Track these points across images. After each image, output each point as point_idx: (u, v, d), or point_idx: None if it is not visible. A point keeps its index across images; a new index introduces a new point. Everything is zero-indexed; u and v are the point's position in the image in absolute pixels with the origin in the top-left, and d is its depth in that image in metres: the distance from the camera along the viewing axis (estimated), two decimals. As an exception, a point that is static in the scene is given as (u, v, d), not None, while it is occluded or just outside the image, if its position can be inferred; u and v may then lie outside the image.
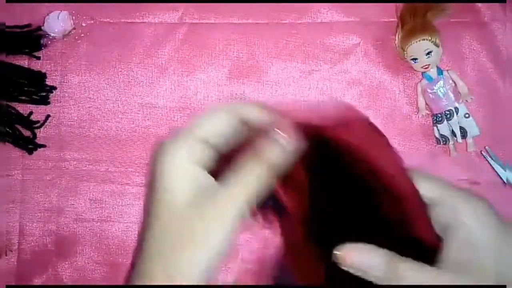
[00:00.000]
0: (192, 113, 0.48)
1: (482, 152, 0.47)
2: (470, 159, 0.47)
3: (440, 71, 0.46)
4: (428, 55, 0.45)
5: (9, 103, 0.48)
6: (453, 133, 0.46)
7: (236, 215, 0.31)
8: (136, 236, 0.47)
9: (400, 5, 0.48)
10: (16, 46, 0.48)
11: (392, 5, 0.49)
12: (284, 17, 0.49)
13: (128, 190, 0.48)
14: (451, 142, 0.46)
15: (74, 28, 0.49)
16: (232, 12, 0.49)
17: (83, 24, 0.49)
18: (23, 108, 0.48)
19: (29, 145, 0.48)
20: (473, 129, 0.45)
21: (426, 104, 0.47)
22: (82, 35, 0.49)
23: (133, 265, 0.36)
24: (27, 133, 0.48)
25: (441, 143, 0.46)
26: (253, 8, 0.49)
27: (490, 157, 0.46)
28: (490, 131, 0.48)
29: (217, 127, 0.34)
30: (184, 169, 0.32)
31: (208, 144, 0.33)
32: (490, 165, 0.47)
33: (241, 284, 0.47)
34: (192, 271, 0.30)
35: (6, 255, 0.47)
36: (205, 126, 0.34)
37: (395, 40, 0.47)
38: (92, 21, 0.49)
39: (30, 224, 0.48)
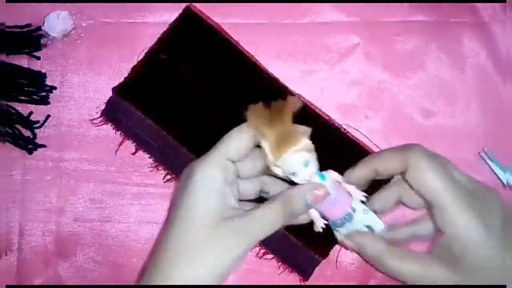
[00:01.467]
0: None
1: (481, 153, 0.47)
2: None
3: (322, 177, 0.38)
4: (305, 166, 0.37)
5: (9, 103, 0.48)
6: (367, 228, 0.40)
7: (245, 250, 0.35)
8: (135, 236, 0.47)
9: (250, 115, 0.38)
10: (16, 46, 0.48)
11: (392, 5, 0.49)
12: (284, 17, 0.49)
13: (128, 190, 0.48)
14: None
15: (74, 28, 0.49)
16: (232, 12, 0.49)
17: (83, 24, 0.49)
18: (23, 108, 0.48)
19: (29, 145, 0.48)
20: (376, 224, 0.39)
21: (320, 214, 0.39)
22: (82, 35, 0.49)
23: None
24: (27, 133, 0.48)
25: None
26: (253, 8, 0.49)
27: (489, 158, 0.46)
28: (490, 131, 0.48)
29: (243, 147, 0.37)
30: (212, 190, 0.35)
31: (234, 164, 0.37)
32: (489, 166, 0.47)
33: (242, 284, 0.47)
34: None
35: (6, 255, 0.47)
36: (233, 146, 0.37)
37: (264, 155, 0.37)
38: (92, 21, 0.49)
39: (30, 224, 0.48)
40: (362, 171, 0.39)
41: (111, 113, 0.47)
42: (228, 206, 0.36)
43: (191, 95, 0.46)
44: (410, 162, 0.36)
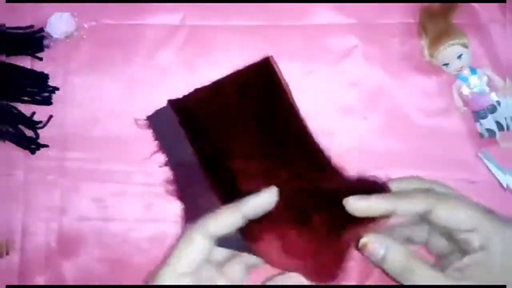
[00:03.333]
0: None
1: (479, 154, 0.47)
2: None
3: (473, 71, 0.46)
4: (459, 58, 0.45)
5: (12, 104, 0.49)
6: (498, 125, 0.46)
7: None
8: (137, 235, 0.48)
9: (417, 9, 0.48)
10: (18, 47, 0.49)
11: (390, 6, 0.49)
12: (283, 19, 0.50)
13: (131, 190, 0.48)
14: (498, 135, 0.46)
15: (76, 30, 0.49)
16: (233, 14, 0.49)
17: (86, 26, 0.50)
18: (25, 109, 0.49)
19: (32, 145, 0.48)
20: None
21: (464, 102, 0.47)
22: (85, 36, 0.50)
23: None
24: (30, 133, 0.49)
25: (487, 136, 0.46)
26: (253, 10, 0.50)
27: (488, 160, 0.47)
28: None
29: (225, 227, 0.37)
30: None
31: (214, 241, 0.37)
32: (487, 168, 0.47)
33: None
34: None
35: (8, 254, 0.48)
36: (183, 259, 0.36)
37: (422, 47, 0.47)
38: (94, 23, 0.50)
39: (33, 223, 0.48)
40: (379, 205, 0.36)
41: (157, 121, 0.47)
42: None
43: (238, 139, 0.45)
44: (436, 202, 0.36)
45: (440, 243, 0.39)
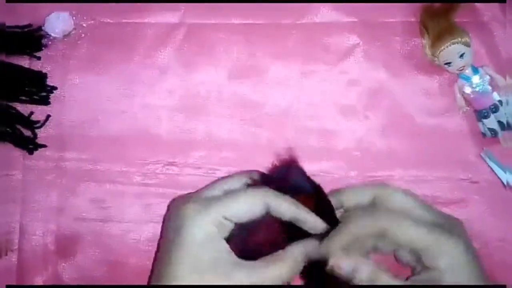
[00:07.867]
0: (192, 113, 0.49)
1: (481, 154, 0.47)
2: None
3: (475, 70, 0.46)
4: (461, 57, 0.45)
5: (10, 103, 0.48)
6: (501, 124, 0.46)
7: None
8: (135, 236, 0.47)
9: (419, 7, 0.48)
10: (16, 47, 0.49)
11: (391, 5, 0.49)
12: (284, 17, 0.50)
13: (129, 190, 0.48)
14: (500, 134, 0.46)
15: (74, 29, 0.49)
16: (233, 12, 0.49)
17: (84, 25, 0.49)
18: (23, 108, 0.49)
19: (30, 145, 0.48)
20: None
21: (466, 101, 0.47)
22: (83, 35, 0.49)
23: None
24: (27, 133, 0.48)
25: (490, 136, 0.46)
26: (253, 8, 0.49)
27: (490, 158, 0.46)
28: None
29: (243, 211, 0.37)
30: (211, 239, 0.35)
31: (231, 222, 0.37)
32: (489, 166, 0.47)
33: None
34: None
35: (6, 255, 0.47)
36: (233, 206, 0.36)
37: (424, 47, 0.47)
38: (93, 22, 0.50)
39: (31, 224, 0.48)
40: (338, 242, 0.37)
41: None
42: (228, 261, 0.35)
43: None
44: (388, 227, 0.37)
45: (406, 255, 0.40)
